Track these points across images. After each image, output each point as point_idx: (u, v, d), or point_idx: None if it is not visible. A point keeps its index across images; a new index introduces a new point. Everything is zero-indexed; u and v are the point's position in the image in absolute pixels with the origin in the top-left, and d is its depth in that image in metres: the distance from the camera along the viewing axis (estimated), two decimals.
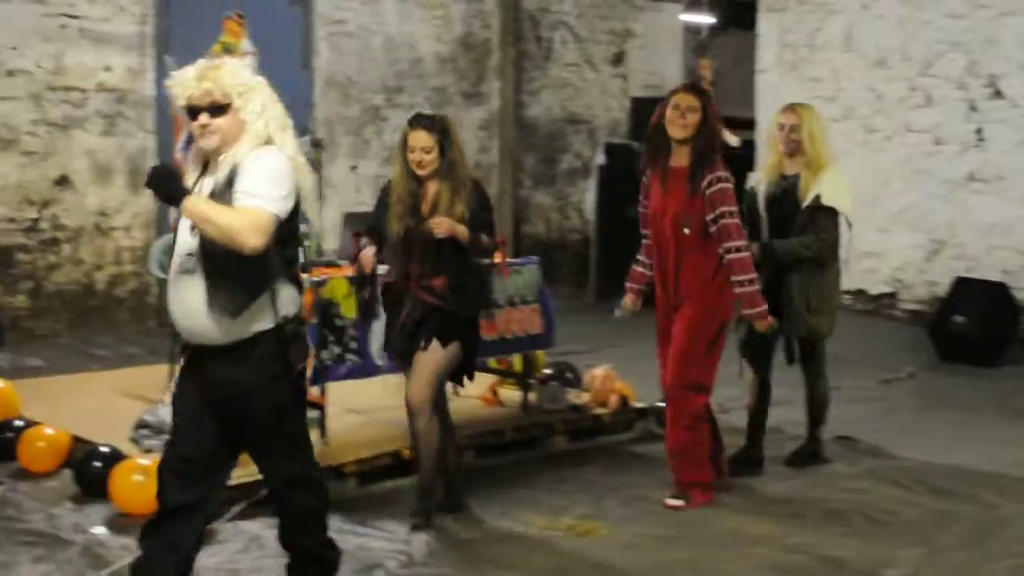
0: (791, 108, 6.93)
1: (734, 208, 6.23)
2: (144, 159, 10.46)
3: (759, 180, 7.05)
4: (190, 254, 4.39)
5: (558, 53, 13.46)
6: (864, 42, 11.73)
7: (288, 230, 4.46)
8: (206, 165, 4.52)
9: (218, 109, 4.40)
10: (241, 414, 4.49)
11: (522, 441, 7.17)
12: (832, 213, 6.80)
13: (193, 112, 4.42)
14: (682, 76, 13.14)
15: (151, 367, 8.08)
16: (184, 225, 4.44)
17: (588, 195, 12.77)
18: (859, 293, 11.40)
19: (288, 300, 4.48)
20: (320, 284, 6.46)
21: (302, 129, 11.07)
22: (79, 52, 10.13)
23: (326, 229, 11.18)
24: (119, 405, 7.34)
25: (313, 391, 6.56)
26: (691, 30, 13.15)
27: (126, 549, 5.42)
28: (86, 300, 10.33)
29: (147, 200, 10.47)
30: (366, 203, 11.66)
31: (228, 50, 10.79)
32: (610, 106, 13.75)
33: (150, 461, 5.95)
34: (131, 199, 10.47)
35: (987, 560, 5.64)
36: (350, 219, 7.44)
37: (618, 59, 13.87)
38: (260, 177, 4.35)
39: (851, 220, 6.92)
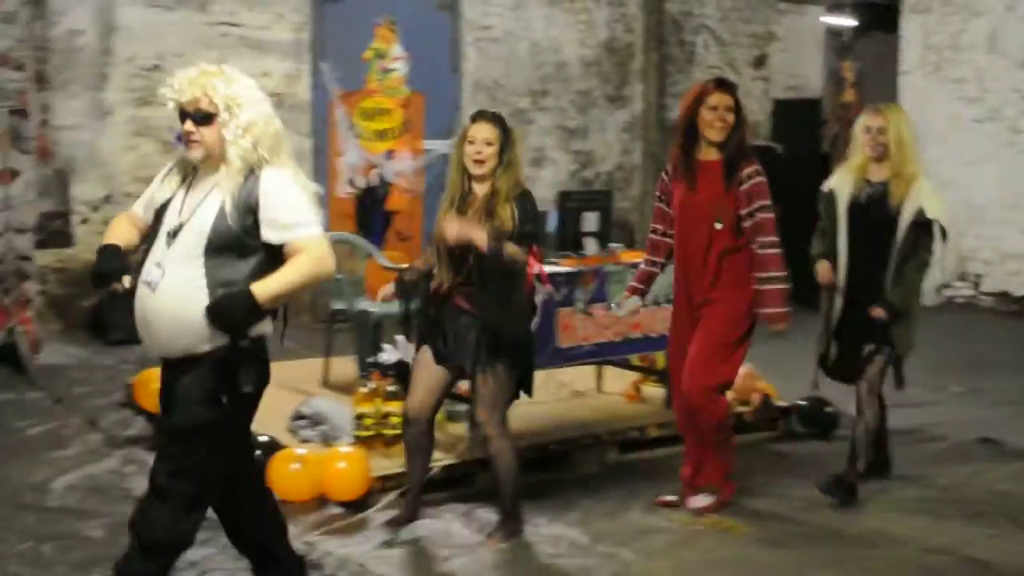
0: (878, 110, 6.46)
1: (770, 203, 6.01)
2: (301, 162, 10.74)
3: (839, 183, 6.54)
4: (158, 265, 4.24)
5: (700, 56, 13.53)
6: (1009, 43, 11.63)
7: (280, 250, 4.27)
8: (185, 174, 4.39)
9: (204, 118, 4.24)
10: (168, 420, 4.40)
11: (664, 438, 7.21)
12: (932, 227, 6.35)
13: (181, 116, 4.26)
14: (823, 78, 13.11)
15: (306, 361, 8.29)
16: (161, 237, 4.28)
17: None
18: (1003, 295, 11.28)
19: (264, 321, 4.34)
20: None
21: (449, 132, 11.46)
22: (239, 59, 10.46)
23: None
24: (276, 397, 7.34)
25: (462, 385, 6.80)
26: (833, 32, 13.11)
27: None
28: None
29: None
30: None
31: (380, 55, 11.17)
32: (751, 108, 13.75)
33: (307, 451, 6.27)
34: None
35: None
36: None
37: (760, 62, 13.89)
38: (294, 205, 4.26)
39: (948, 230, 6.40)
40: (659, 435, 7.21)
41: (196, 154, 4.29)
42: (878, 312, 6.27)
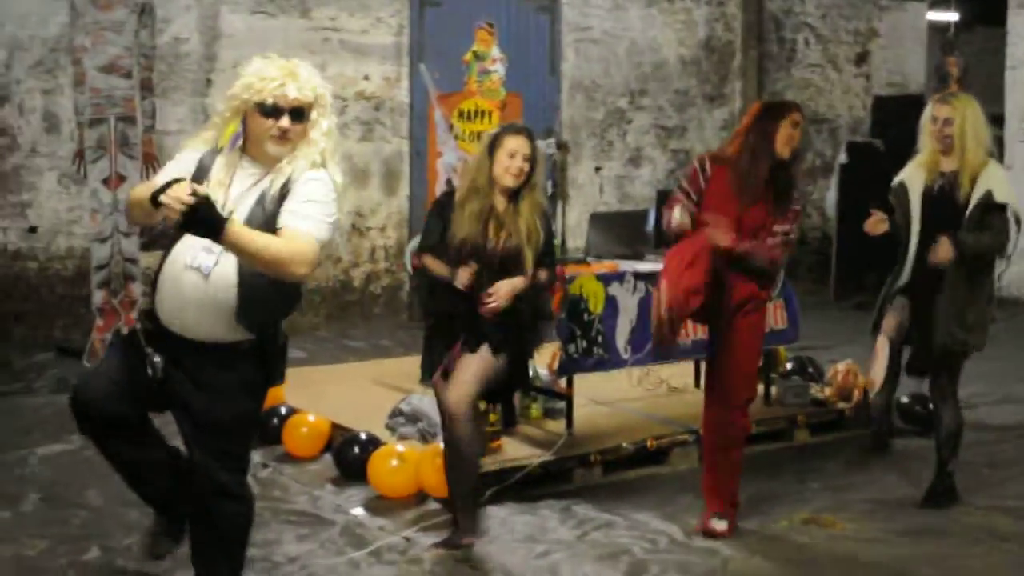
0: (945, 100, 6.25)
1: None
2: (399, 163, 10.92)
3: (912, 175, 6.32)
4: (210, 251, 4.13)
5: (801, 54, 13.43)
6: None
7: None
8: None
9: (301, 115, 4.22)
10: (202, 412, 4.29)
11: (765, 434, 7.21)
12: (1004, 211, 6.10)
13: (276, 112, 4.19)
14: (926, 74, 12.94)
15: (404, 358, 8.40)
16: None
17: (829, 193, 12.70)
18: None
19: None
20: (569, 280, 6.66)
21: (548, 131, 11.49)
22: (340, 63, 10.64)
23: (572, 227, 11.47)
24: (375, 394, 7.67)
25: (560, 382, 6.85)
26: (936, 27, 12.93)
27: (383, 530, 5.73)
28: (343, 296, 10.85)
29: (400, 201, 10.94)
30: (609, 203, 11.94)
31: (479, 58, 11.22)
32: (852, 105, 13.64)
33: (405, 447, 6.33)
34: (386, 200, 10.94)
35: None
36: (596, 219, 7.67)
37: (861, 59, 13.74)
38: (314, 199, 4.17)
39: (1021, 217, 6.15)
40: (757, 432, 7.14)
41: (284, 151, 4.24)
42: (943, 252, 5.98)
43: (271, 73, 4.23)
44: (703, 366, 7.56)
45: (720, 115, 12.87)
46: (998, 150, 11.42)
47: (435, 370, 5.73)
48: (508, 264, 5.48)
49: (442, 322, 5.81)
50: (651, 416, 7.19)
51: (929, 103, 6.36)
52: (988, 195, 6.05)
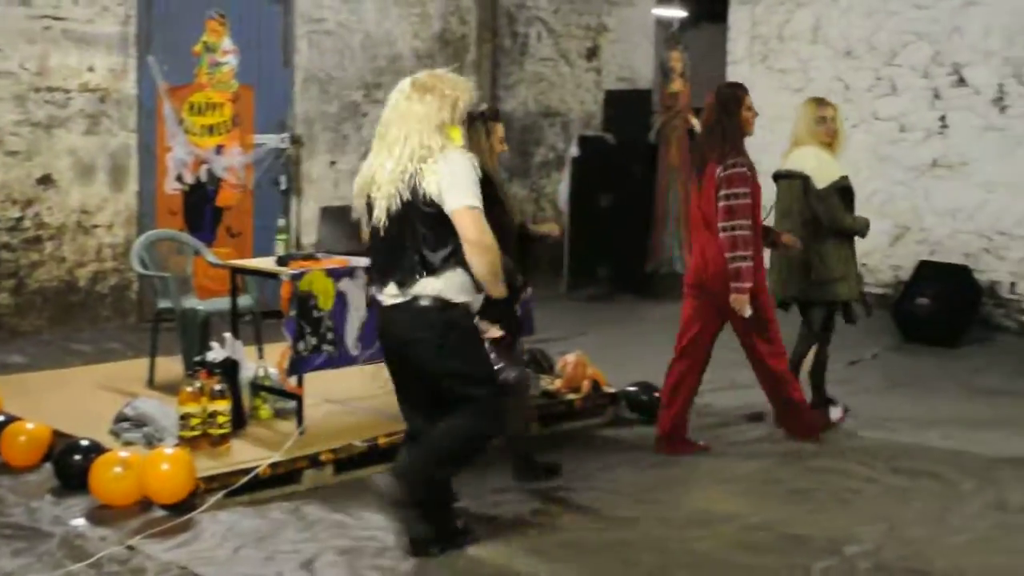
0: (824, 101, 7.64)
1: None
2: (127, 158, 10.61)
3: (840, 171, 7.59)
4: None
5: (534, 48, 13.61)
6: (831, 33, 11.92)
7: None
8: None
9: None
10: None
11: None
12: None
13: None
14: (653, 69, 13.28)
15: (131, 362, 8.17)
16: None
17: (562, 187, 12.88)
18: None
19: None
20: (298, 277, 6.58)
21: (281, 125, 11.36)
22: (63, 53, 10.25)
23: (307, 223, 11.37)
24: (100, 399, 7.45)
25: (290, 381, 6.76)
26: (663, 24, 13.28)
27: (105, 540, 5.53)
28: (68, 297, 10.47)
29: (128, 197, 10.64)
30: (344, 197, 11.85)
31: (210, 49, 11.01)
32: (584, 99, 13.90)
33: (129, 453, 6.13)
34: (113, 196, 10.61)
35: (946, 535, 5.77)
36: (327, 213, 7.59)
37: (592, 53, 14.02)
38: None
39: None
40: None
41: None
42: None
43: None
44: None
45: None
46: None
47: None
48: None
49: None
50: (384, 413, 7.15)
51: (809, 105, 7.61)
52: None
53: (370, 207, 5.38)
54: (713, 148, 6.85)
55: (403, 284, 5.28)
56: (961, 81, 10.93)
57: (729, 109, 6.88)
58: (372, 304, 5.89)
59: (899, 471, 6.77)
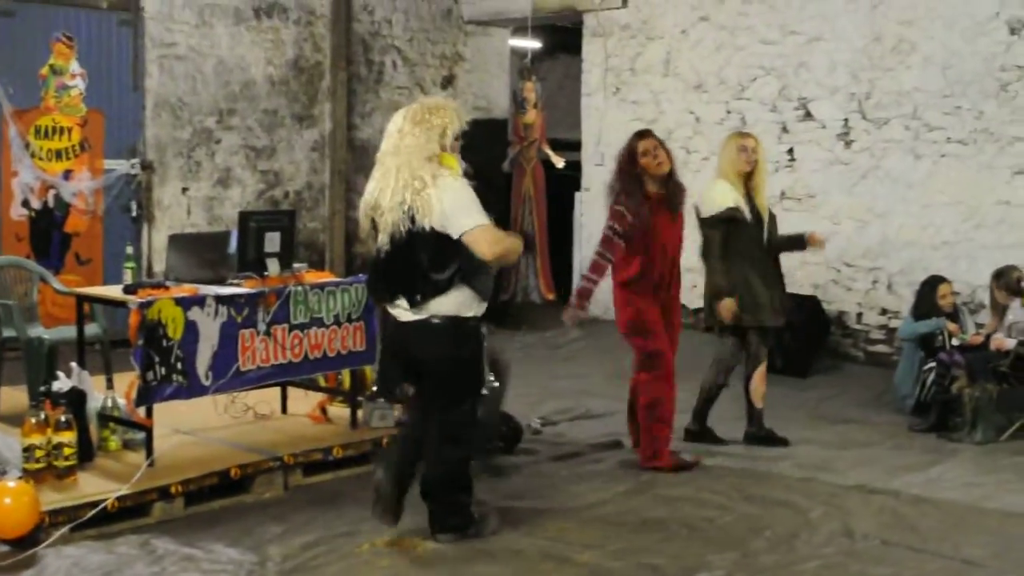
0: (745, 134, 8.12)
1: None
2: None
3: (737, 198, 7.85)
4: None
5: (389, 76, 13.59)
6: (683, 67, 12.13)
7: None
8: None
9: None
10: None
11: (352, 458, 7.23)
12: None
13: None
14: (508, 98, 13.37)
15: None
16: None
17: None
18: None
19: None
20: (147, 305, 6.45)
21: (131, 150, 11.15)
22: None
23: (158, 251, 11.15)
24: None
25: (139, 412, 6.61)
26: (518, 54, 13.37)
27: None
28: None
29: None
30: (197, 224, 11.69)
31: (57, 72, 10.77)
32: None
33: None
34: None
35: (795, 562, 5.87)
36: (176, 240, 7.45)
37: (448, 82, 14.06)
38: None
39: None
40: (345, 456, 7.19)
41: None
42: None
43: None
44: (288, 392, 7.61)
45: (310, 136, 12.84)
46: (575, 175, 12.07)
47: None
48: None
49: None
50: (236, 444, 7.06)
51: (731, 137, 8.05)
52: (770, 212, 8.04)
53: (375, 228, 5.81)
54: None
55: (414, 304, 5.74)
56: (808, 115, 11.20)
57: (627, 162, 7.42)
58: (386, 317, 6.12)
59: (751, 499, 6.87)
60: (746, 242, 7.88)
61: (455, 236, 5.61)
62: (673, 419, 7.51)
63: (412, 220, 5.62)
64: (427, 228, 5.61)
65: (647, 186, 7.36)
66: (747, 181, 7.90)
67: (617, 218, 7.27)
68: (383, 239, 5.75)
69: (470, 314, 5.78)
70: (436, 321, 5.72)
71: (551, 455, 7.44)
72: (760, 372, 8.02)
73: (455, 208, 5.60)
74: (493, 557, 5.88)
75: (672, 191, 7.41)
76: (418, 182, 5.59)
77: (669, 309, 7.50)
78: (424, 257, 5.66)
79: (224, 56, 12.08)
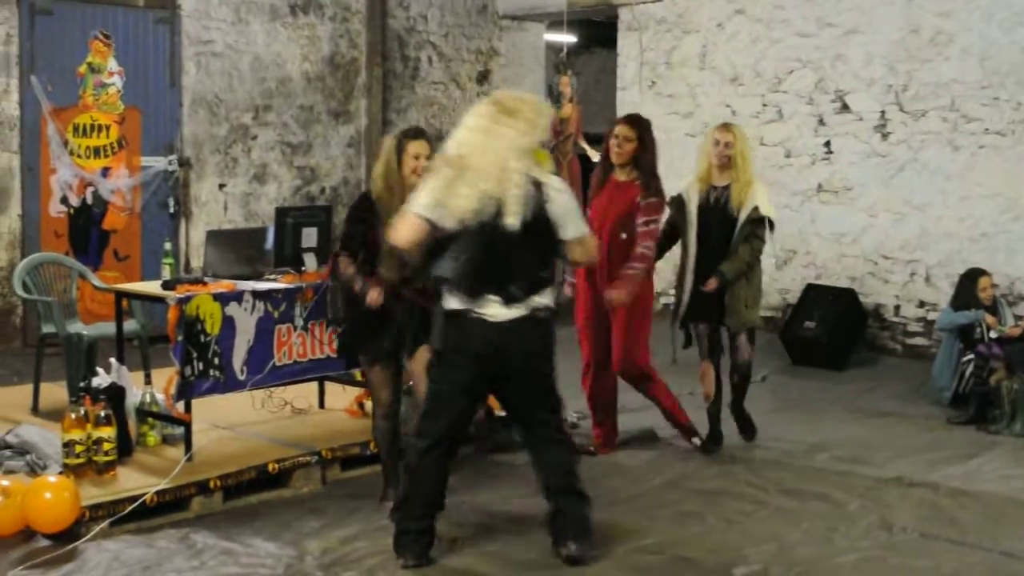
0: (726, 127, 7.75)
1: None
2: (10, 179, 10.40)
3: (689, 188, 7.71)
4: None
5: (425, 71, 13.61)
6: (718, 60, 12.10)
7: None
8: None
9: None
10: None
11: (373, 456, 7.07)
12: (764, 222, 7.52)
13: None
14: (544, 93, 13.36)
15: (15, 388, 8.00)
16: None
17: None
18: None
19: None
20: (185, 301, 6.50)
21: (169, 147, 11.21)
22: None
23: (196, 246, 11.22)
24: None
25: (178, 407, 6.66)
26: (553, 48, 13.36)
27: None
28: None
29: (12, 220, 10.42)
30: (235, 220, 11.74)
31: (95, 70, 10.84)
32: None
33: (11, 482, 5.98)
34: None
35: (832, 555, 5.86)
36: (213, 236, 7.50)
37: (483, 77, 14.07)
38: None
39: (774, 223, 7.62)
40: (358, 455, 7.17)
41: None
42: (711, 284, 7.46)
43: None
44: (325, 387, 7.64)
45: (346, 132, 12.88)
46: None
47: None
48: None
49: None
50: (274, 439, 7.10)
51: (710, 130, 7.85)
52: (755, 210, 7.48)
53: (434, 227, 5.42)
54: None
55: (513, 300, 5.48)
56: (845, 107, 11.15)
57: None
58: (458, 317, 5.51)
59: (787, 492, 6.86)
60: (687, 232, 7.69)
61: (566, 239, 5.56)
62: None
63: (512, 215, 5.35)
64: (533, 226, 5.41)
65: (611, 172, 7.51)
66: (723, 172, 7.63)
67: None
68: (466, 238, 5.41)
69: (555, 306, 5.70)
70: (542, 315, 5.56)
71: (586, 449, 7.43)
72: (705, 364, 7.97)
73: (568, 211, 5.55)
74: (531, 546, 5.88)
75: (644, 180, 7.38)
76: (519, 177, 5.35)
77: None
78: (528, 255, 5.48)
79: (260, 53, 12.13)
